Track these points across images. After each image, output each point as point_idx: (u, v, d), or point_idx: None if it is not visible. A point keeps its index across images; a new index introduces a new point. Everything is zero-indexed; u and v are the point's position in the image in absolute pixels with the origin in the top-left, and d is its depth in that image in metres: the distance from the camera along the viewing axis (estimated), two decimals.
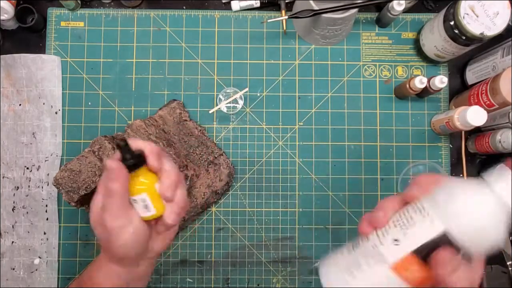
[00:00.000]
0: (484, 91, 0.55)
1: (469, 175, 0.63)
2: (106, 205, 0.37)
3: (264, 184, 0.62)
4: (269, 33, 0.64)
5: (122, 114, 0.62)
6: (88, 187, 0.53)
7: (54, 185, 0.54)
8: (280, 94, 0.64)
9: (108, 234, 0.38)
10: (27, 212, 0.60)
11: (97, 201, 0.38)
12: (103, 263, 0.42)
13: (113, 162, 0.36)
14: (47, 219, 0.60)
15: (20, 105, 0.62)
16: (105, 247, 0.40)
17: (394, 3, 0.58)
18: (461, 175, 0.63)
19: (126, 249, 0.39)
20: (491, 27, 0.52)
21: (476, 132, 0.63)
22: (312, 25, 0.60)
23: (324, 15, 0.56)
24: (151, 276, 0.60)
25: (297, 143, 0.63)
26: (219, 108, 0.61)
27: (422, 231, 0.31)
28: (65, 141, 0.62)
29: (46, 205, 0.60)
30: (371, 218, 0.34)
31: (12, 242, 0.60)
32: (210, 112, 0.61)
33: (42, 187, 0.61)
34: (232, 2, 0.64)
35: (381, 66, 0.64)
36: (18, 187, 0.61)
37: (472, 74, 0.62)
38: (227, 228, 0.61)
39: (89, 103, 0.63)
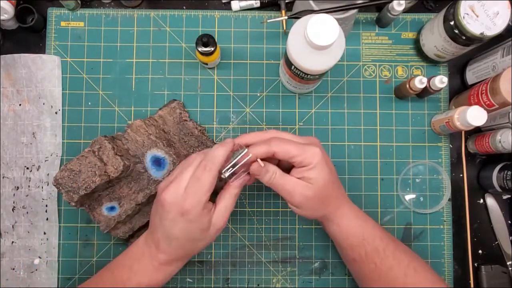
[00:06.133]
0: (484, 91, 0.55)
1: (469, 175, 0.63)
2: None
3: (264, 184, 0.62)
4: (269, 33, 0.64)
5: (122, 114, 0.62)
6: (88, 187, 0.53)
7: (54, 185, 0.54)
8: (280, 94, 0.64)
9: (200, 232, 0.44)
10: (27, 212, 0.60)
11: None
12: (148, 259, 0.44)
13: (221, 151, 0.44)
14: (47, 219, 0.60)
15: (20, 105, 0.62)
16: (179, 246, 0.44)
17: (394, 3, 0.58)
18: (461, 175, 0.63)
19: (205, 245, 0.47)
20: (491, 27, 0.52)
21: (476, 132, 0.63)
22: None
23: None
24: None
25: None
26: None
27: None
28: (65, 141, 0.62)
29: (46, 205, 0.60)
30: None
31: (12, 242, 0.60)
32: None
33: (42, 187, 0.61)
34: (232, 2, 0.64)
35: (381, 66, 0.64)
36: (18, 187, 0.61)
37: (472, 74, 0.62)
38: (227, 228, 0.61)
39: (89, 103, 0.63)
